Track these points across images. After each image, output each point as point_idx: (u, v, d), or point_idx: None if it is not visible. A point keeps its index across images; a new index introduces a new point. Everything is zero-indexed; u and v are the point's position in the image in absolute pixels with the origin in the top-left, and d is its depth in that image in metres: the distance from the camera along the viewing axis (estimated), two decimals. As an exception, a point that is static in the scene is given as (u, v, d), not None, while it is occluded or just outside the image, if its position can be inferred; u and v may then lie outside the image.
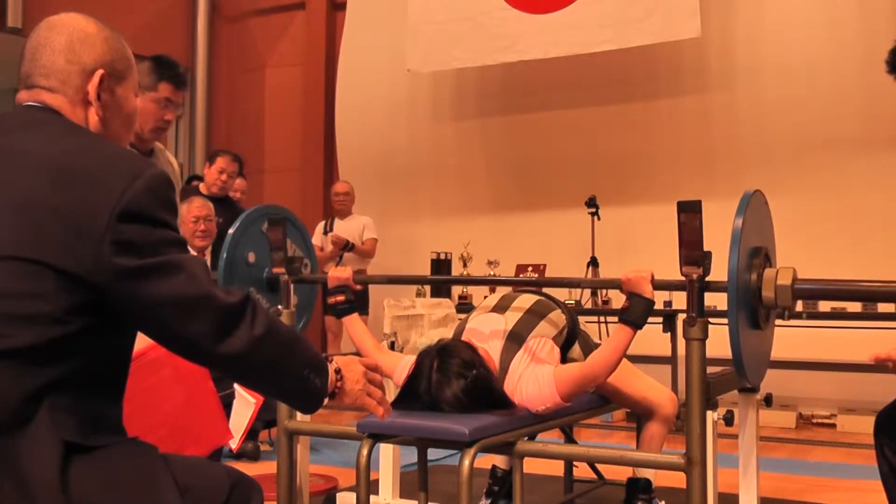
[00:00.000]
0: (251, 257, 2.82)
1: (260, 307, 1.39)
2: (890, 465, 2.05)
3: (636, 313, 2.28)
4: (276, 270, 2.75)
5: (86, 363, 1.29)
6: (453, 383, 2.23)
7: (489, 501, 2.90)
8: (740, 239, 1.99)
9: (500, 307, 2.60)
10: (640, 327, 2.29)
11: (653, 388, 2.70)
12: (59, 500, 1.20)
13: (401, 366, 2.53)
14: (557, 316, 2.59)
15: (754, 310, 2.08)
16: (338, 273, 2.75)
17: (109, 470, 1.27)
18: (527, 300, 2.63)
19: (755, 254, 2.08)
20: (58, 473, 1.21)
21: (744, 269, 2.02)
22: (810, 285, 2.06)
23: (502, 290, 2.83)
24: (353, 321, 2.72)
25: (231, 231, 2.78)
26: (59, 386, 1.25)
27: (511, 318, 2.54)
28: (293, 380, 1.43)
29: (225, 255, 2.73)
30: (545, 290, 5.91)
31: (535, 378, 2.36)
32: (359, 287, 2.81)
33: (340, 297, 2.71)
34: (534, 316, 2.55)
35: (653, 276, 2.27)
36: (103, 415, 1.32)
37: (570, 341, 2.60)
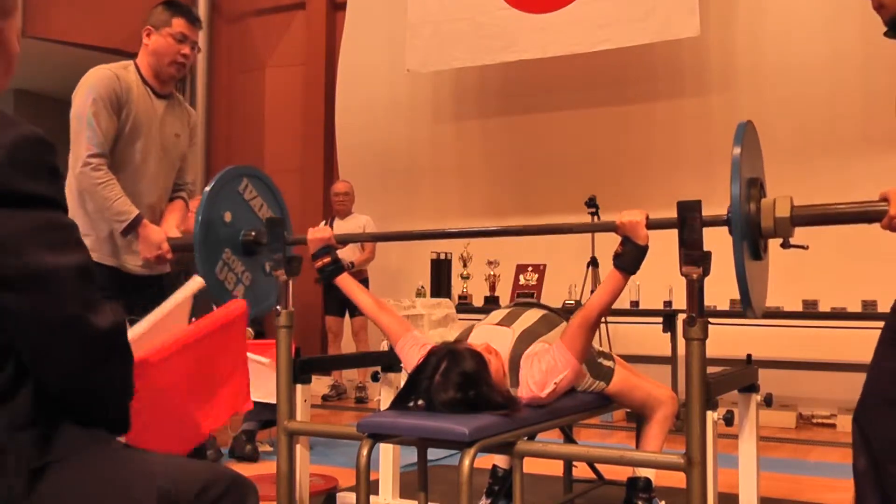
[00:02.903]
0: (227, 217, 2.80)
1: (126, 342, 1.24)
2: (870, 456, 1.92)
3: (628, 260, 2.31)
4: (275, 273, 2.75)
5: (20, 366, 1.17)
6: (450, 391, 2.24)
7: (489, 501, 2.90)
8: (740, 169, 2.00)
9: (506, 322, 2.61)
10: (633, 273, 2.33)
11: (653, 387, 2.71)
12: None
13: (409, 345, 2.58)
14: (563, 328, 2.59)
15: (755, 240, 2.10)
16: (318, 234, 2.74)
17: (81, 482, 1.19)
18: (533, 314, 2.64)
19: (752, 184, 2.10)
20: (23, 491, 1.14)
21: (745, 200, 2.04)
22: (807, 212, 2.07)
23: (506, 305, 2.83)
24: (344, 280, 2.74)
25: (207, 189, 2.75)
26: (6, 403, 1.15)
27: (518, 329, 2.55)
28: None
29: (201, 217, 2.69)
30: (545, 293, 5.90)
31: (549, 355, 2.41)
32: (341, 246, 2.80)
33: (327, 259, 2.72)
34: (540, 327, 2.57)
35: (647, 218, 2.28)
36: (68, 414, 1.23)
37: None
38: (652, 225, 2.29)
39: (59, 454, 1.19)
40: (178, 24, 2.93)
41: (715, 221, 2.10)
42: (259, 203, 2.90)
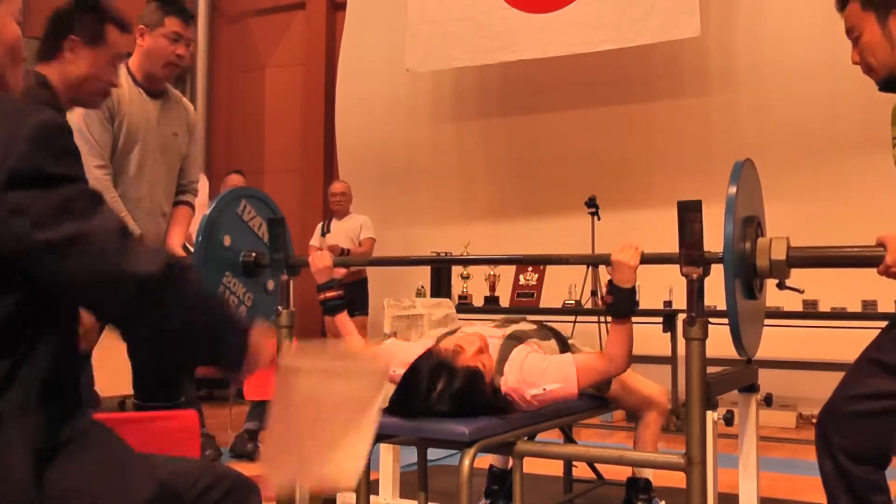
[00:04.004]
0: (227, 241, 2.78)
1: (186, 275, 1.27)
2: (835, 462, 2.00)
3: (620, 307, 2.29)
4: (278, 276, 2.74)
5: (29, 348, 1.21)
6: (445, 402, 2.22)
7: (489, 501, 2.90)
8: (735, 207, 1.99)
9: (498, 327, 2.60)
10: (631, 315, 2.30)
11: (647, 385, 2.72)
12: (30, 497, 1.17)
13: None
14: (552, 345, 2.56)
15: (749, 279, 2.09)
16: (321, 263, 2.64)
17: (83, 465, 1.24)
18: (526, 325, 2.62)
19: (748, 222, 2.09)
20: (29, 476, 1.17)
21: (739, 239, 2.02)
22: (803, 253, 2.06)
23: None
24: (343, 319, 2.68)
25: (206, 213, 2.72)
26: (11, 386, 1.18)
27: (509, 331, 2.54)
28: (217, 349, 1.34)
29: (200, 247, 2.66)
30: (545, 293, 5.90)
31: (556, 361, 2.35)
32: (342, 271, 2.73)
33: (333, 294, 2.65)
34: (532, 334, 2.55)
35: (641, 255, 2.26)
36: (68, 396, 1.27)
37: None
38: (649, 259, 2.26)
39: (65, 437, 1.23)
40: (172, 23, 2.84)
41: (711, 259, 2.08)
42: (258, 223, 2.88)
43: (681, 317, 2.25)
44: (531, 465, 2.46)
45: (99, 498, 1.23)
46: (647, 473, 2.74)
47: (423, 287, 6.14)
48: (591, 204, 5.96)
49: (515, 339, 2.47)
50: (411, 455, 2.76)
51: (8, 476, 1.16)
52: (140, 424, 1.68)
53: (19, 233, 1.13)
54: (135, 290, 1.19)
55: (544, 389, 2.31)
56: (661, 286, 5.32)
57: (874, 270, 1.92)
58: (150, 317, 1.22)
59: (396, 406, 2.29)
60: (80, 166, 1.24)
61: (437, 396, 2.21)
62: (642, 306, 5.61)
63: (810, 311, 5.28)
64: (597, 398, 2.65)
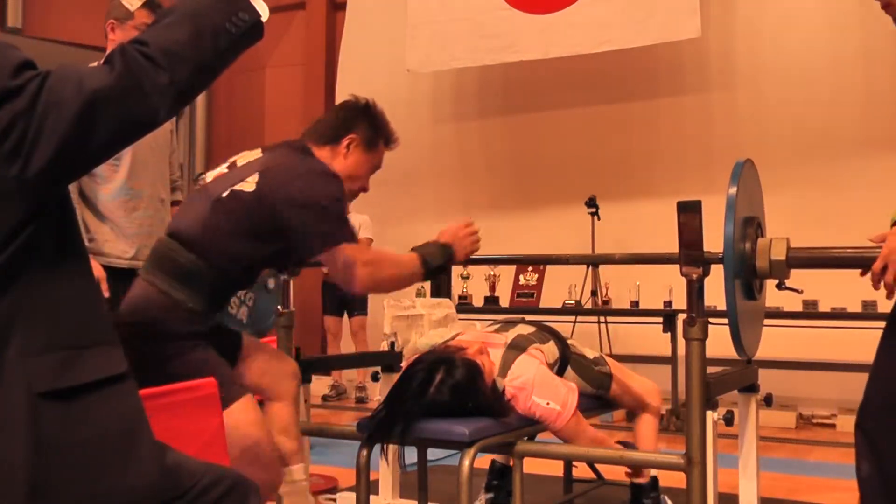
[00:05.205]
0: None
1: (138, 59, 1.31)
2: (880, 464, 1.93)
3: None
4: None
5: (40, 284, 1.22)
6: (447, 402, 2.22)
7: (490, 496, 2.90)
8: (735, 207, 1.99)
9: (499, 331, 2.60)
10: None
11: (638, 382, 2.72)
12: (25, 438, 1.18)
13: None
14: (551, 347, 2.57)
15: (749, 280, 2.09)
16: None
17: (95, 420, 1.24)
18: (524, 328, 2.62)
19: (748, 223, 2.10)
20: (27, 415, 1.18)
21: (739, 239, 2.03)
22: (803, 254, 2.06)
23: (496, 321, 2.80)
24: None
25: None
26: (20, 322, 1.20)
27: (510, 336, 2.53)
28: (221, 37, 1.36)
29: None
30: (545, 293, 5.89)
31: (566, 388, 2.35)
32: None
33: None
34: (534, 337, 2.54)
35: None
36: (82, 339, 1.26)
37: (563, 368, 2.58)
38: (649, 259, 2.27)
39: (73, 380, 1.23)
40: (142, 14, 2.82)
41: (711, 259, 2.08)
42: None
43: (681, 317, 2.25)
44: (531, 465, 2.46)
45: (100, 467, 1.23)
46: (652, 471, 2.73)
47: (423, 287, 6.13)
48: (591, 204, 5.96)
49: (518, 349, 2.45)
50: (411, 455, 2.76)
51: (5, 417, 1.17)
52: (157, 399, 1.65)
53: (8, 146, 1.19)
54: (116, 95, 1.28)
55: (548, 404, 2.32)
56: (661, 286, 5.32)
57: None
58: (157, 97, 1.30)
59: (394, 402, 2.28)
60: (36, 71, 1.29)
61: (436, 389, 2.21)
62: (642, 306, 5.64)
63: (810, 312, 5.28)
64: (597, 398, 2.65)
